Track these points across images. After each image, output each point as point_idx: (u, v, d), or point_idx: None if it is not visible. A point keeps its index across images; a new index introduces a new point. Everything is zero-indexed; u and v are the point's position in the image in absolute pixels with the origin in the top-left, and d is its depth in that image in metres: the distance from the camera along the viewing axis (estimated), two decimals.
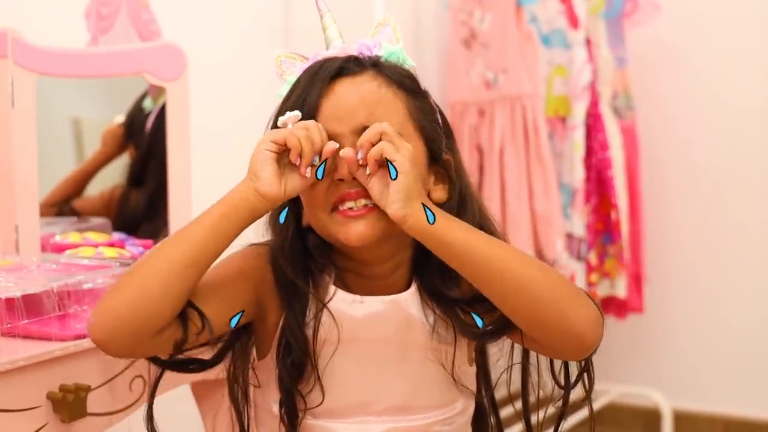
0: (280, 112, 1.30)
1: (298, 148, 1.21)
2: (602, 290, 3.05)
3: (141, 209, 2.09)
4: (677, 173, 3.37)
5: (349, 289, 1.33)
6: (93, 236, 1.87)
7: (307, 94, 1.28)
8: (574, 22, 3.01)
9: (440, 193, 1.33)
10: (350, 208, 1.26)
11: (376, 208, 1.25)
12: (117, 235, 1.92)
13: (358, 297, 1.32)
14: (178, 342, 1.21)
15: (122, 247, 1.82)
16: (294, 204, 1.32)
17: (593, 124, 3.05)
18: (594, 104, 3.05)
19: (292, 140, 1.21)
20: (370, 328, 1.32)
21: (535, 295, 1.22)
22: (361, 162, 1.24)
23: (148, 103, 2.06)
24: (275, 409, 1.33)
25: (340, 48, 1.34)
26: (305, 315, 1.30)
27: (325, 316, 1.30)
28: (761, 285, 3.28)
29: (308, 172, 1.23)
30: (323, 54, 1.34)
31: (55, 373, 1.44)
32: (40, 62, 1.79)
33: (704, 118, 3.33)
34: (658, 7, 3.20)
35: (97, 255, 1.73)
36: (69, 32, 2.06)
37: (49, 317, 1.44)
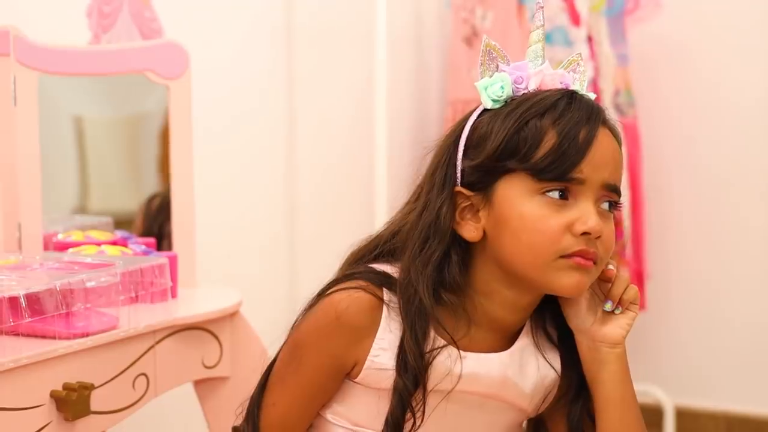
0: (526, 124, 1.27)
1: None
2: None
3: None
4: (679, 170, 3.37)
5: (454, 333, 1.31)
6: (95, 234, 1.87)
7: (578, 128, 1.25)
8: (575, 19, 3.00)
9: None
10: (583, 258, 1.26)
11: (591, 266, 1.27)
12: (119, 234, 1.92)
13: (462, 353, 1.31)
14: None
15: (125, 245, 1.82)
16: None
17: None
18: (596, 101, 3.03)
19: None
20: (466, 383, 1.33)
21: None
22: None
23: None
24: (330, 417, 1.36)
25: (551, 72, 1.32)
26: (427, 335, 1.28)
27: (437, 361, 1.30)
28: (764, 282, 3.27)
29: None
30: (540, 71, 1.32)
31: (59, 372, 1.44)
32: (42, 60, 1.79)
33: (706, 115, 3.33)
34: (659, 5, 3.19)
35: (99, 253, 1.73)
36: (71, 30, 2.06)
37: (52, 316, 1.44)
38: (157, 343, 1.62)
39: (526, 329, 1.37)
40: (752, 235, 3.29)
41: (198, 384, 1.80)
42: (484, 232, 1.29)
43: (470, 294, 1.31)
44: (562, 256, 1.25)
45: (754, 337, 3.29)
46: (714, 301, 3.35)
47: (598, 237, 1.25)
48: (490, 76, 1.33)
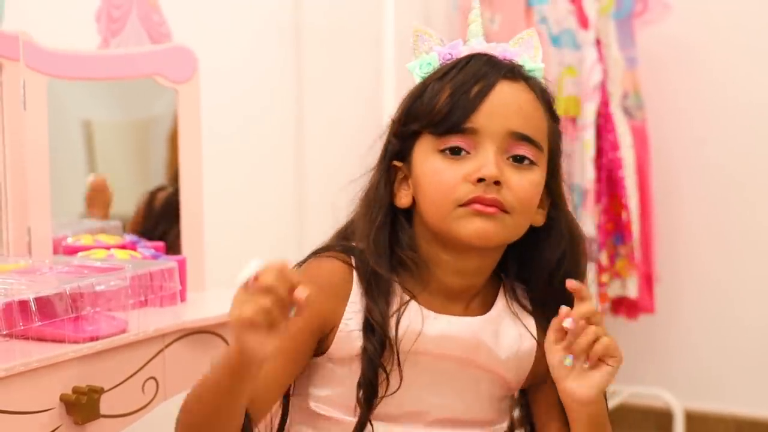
0: (425, 88, 1.31)
1: (269, 317, 1.12)
2: (613, 291, 3.04)
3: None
4: (688, 173, 3.36)
5: (427, 298, 1.34)
6: (105, 238, 1.87)
7: (469, 84, 1.28)
8: (584, 22, 3.00)
9: (539, 217, 1.35)
10: (482, 204, 1.27)
11: (499, 213, 1.27)
12: (129, 237, 1.93)
13: (432, 313, 1.33)
14: None
15: (134, 249, 1.83)
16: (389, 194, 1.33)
17: (604, 125, 3.04)
18: (604, 104, 3.04)
19: (258, 317, 1.11)
20: (439, 345, 1.33)
21: None
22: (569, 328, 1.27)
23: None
24: (313, 406, 1.35)
25: (484, 46, 1.35)
26: (389, 301, 1.31)
27: (401, 322, 1.31)
28: None
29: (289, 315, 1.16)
30: (471, 47, 1.34)
31: (68, 375, 1.44)
32: (51, 65, 1.79)
33: (715, 117, 3.32)
34: (668, 7, 3.19)
35: (109, 257, 1.74)
36: (80, 35, 2.06)
37: (62, 319, 1.44)
38: (167, 346, 1.62)
39: (501, 296, 1.38)
40: (762, 237, 3.28)
41: None
42: (414, 198, 1.33)
43: (423, 263, 1.33)
44: (460, 205, 1.27)
45: (764, 339, 3.29)
46: (723, 304, 3.34)
47: (497, 183, 1.26)
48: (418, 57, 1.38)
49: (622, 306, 3.10)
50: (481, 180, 1.26)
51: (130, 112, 2.16)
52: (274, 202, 2.75)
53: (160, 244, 1.93)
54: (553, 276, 1.35)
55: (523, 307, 1.39)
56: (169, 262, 1.64)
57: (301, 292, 1.12)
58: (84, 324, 1.48)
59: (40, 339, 1.44)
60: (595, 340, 1.27)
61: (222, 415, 1.21)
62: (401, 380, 1.31)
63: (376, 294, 1.30)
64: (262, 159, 2.66)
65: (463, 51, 1.35)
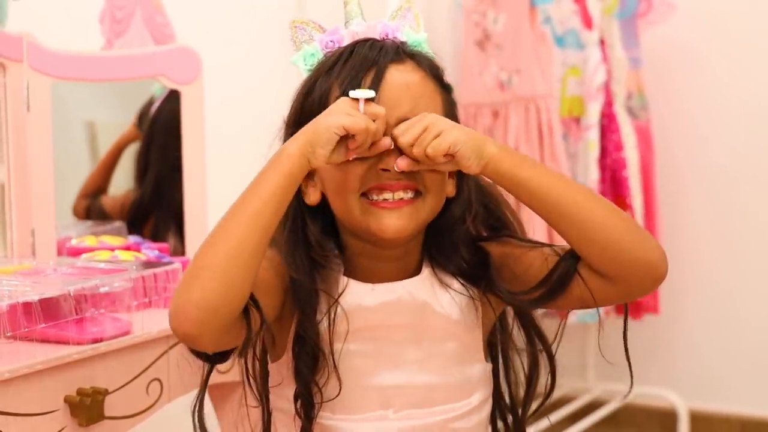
0: (314, 85, 1.29)
1: (364, 142, 1.20)
2: None
3: (148, 198, 2.09)
4: (692, 173, 3.36)
5: (359, 274, 1.33)
6: (109, 239, 1.87)
7: (358, 78, 1.26)
8: (588, 22, 3.00)
9: (450, 187, 1.33)
10: (385, 200, 1.26)
11: (410, 202, 1.26)
12: (132, 239, 1.93)
13: (369, 285, 1.32)
14: (246, 335, 1.19)
15: (138, 250, 1.83)
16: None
17: (608, 125, 3.04)
18: (608, 104, 3.04)
19: (362, 136, 1.20)
20: (383, 316, 1.32)
21: (613, 226, 1.23)
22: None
23: (156, 89, 2.06)
24: (289, 408, 1.32)
25: (364, 27, 1.33)
26: (316, 310, 1.29)
27: (338, 309, 1.29)
28: None
29: (353, 156, 1.22)
30: (351, 31, 1.33)
31: (73, 377, 1.44)
32: (55, 66, 1.79)
33: (719, 117, 3.32)
34: (672, 7, 3.18)
35: (113, 258, 1.74)
36: (84, 36, 2.06)
37: (66, 321, 1.44)
38: (171, 348, 1.62)
39: (426, 262, 1.35)
40: (767, 236, 3.27)
41: (211, 389, 1.80)
42: (323, 194, 1.31)
43: (353, 256, 1.32)
44: (362, 195, 1.26)
45: None
46: (728, 304, 3.34)
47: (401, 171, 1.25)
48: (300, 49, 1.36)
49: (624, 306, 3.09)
50: (385, 170, 1.26)
51: (133, 112, 2.16)
52: None
53: (164, 245, 1.93)
54: (463, 226, 1.34)
55: (444, 269, 1.36)
56: (174, 264, 1.64)
57: (386, 142, 1.22)
58: (88, 325, 1.48)
59: (44, 340, 1.44)
60: (427, 156, 1.23)
61: (253, 252, 1.16)
62: (340, 387, 1.29)
63: (302, 300, 1.28)
64: (267, 159, 2.65)
65: (343, 36, 1.33)
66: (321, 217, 1.32)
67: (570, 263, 1.28)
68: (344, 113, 1.20)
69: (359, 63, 1.28)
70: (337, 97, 1.26)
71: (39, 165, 1.77)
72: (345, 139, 1.21)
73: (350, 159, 1.23)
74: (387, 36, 1.33)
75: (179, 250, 1.97)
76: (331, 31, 1.34)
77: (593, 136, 3.00)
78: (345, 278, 1.31)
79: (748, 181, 3.28)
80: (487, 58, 3.05)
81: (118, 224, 2.06)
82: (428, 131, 1.23)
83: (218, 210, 2.06)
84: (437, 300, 1.33)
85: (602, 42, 3.04)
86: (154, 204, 2.09)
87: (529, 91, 2.97)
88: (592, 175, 2.99)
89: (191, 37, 2.14)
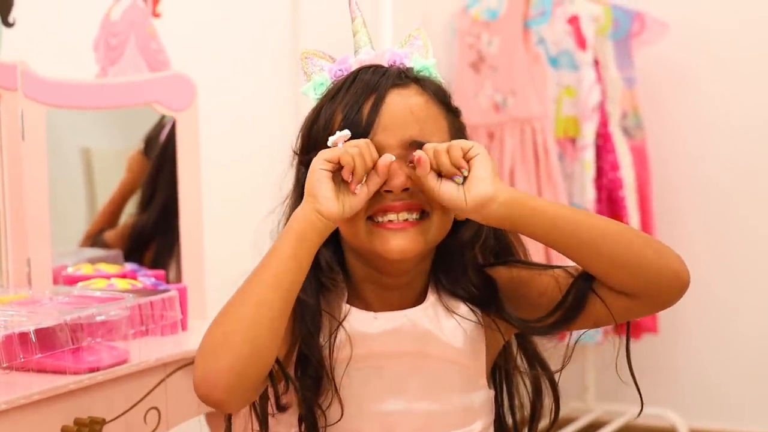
0: (319, 113, 1.30)
1: (351, 165, 1.20)
2: None
3: (152, 225, 2.08)
4: (688, 191, 3.36)
5: (363, 301, 1.33)
6: (105, 267, 1.87)
7: (359, 103, 1.27)
8: (581, 43, 3.01)
9: None
10: (390, 221, 1.26)
11: (416, 223, 1.26)
12: (129, 266, 1.92)
13: (371, 314, 1.31)
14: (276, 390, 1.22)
15: (134, 278, 1.82)
16: None
17: (603, 145, 3.05)
18: (603, 124, 3.04)
19: (345, 158, 1.20)
20: (385, 344, 1.31)
21: (631, 243, 1.23)
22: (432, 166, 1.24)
23: (168, 116, 2.05)
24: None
25: (372, 55, 1.34)
26: (320, 331, 1.29)
27: (340, 334, 1.29)
28: None
29: (359, 189, 1.22)
30: (359, 60, 1.34)
31: (70, 407, 1.43)
32: (49, 94, 1.79)
33: (713, 135, 3.32)
34: (665, 26, 3.19)
35: (109, 287, 1.73)
36: (78, 64, 2.06)
37: (62, 351, 1.43)
38: (168, 376, 1.61)
39: (432, 289, 1.35)
40: (764, 253, 3.27)
41: (210, 417, 1.79)
42: None
43: (359, 283, 1.33)
44: (370, 217, 1.26)
45: None
46: (727, 322, 3.33)
47: (407, 190, 1.25)
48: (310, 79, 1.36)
49: (625, 326, 3.08)
50: (388, 192, 1.26)
51: (129, 139, 2.15)
52: (275, 229, 2.74)
53: (161, 272, 1.93)
54: (472, 251, 1.34)
55: (452, 293, 1.35)
56: (170, 292, 1.63)
57: (387, 158, 1.22)
58: (85, 354, 1.47)
59: (41, 370, 1.43)
60: (448, 151, 1.24)
61: (279, 316, 1.17)
62: (342, 411, 1.28)
63: (307, 321, 1.28)
64: (262, 186, 2.65)
65: (352, 64, 1.34)
66: (331, 241, 1.31)
67: (585, 284, 1.27)
68: (323, 152, 1.22)
69: (361, 88, 1.28)
70: (340, 123, 1.26)
71: (34, 193, 1.77)
72: (345, 182, 1.21)
73: (355, 191, 1.22)
74: (395, 63, 1.33)
75: (178, 277, 1.96)
76: (341, 60, 1.35)
77: (589, 157, 3.00)
78: (347, 306, 1.31)
79: (744, 197, 3.28)
80: (482, 80, 3.06)
81: (115, 252, 2.05)
82: (458, 142, 1.25)
83: (214, 236, 2.07)
84: (441, 328, 1.33)
85: (596, 62, 3.05)
86: (157, 231, 2.09)
87: (525, 112, 2.97)
88: (588, 195, 2.99)
89: (186, 64, 2.14)
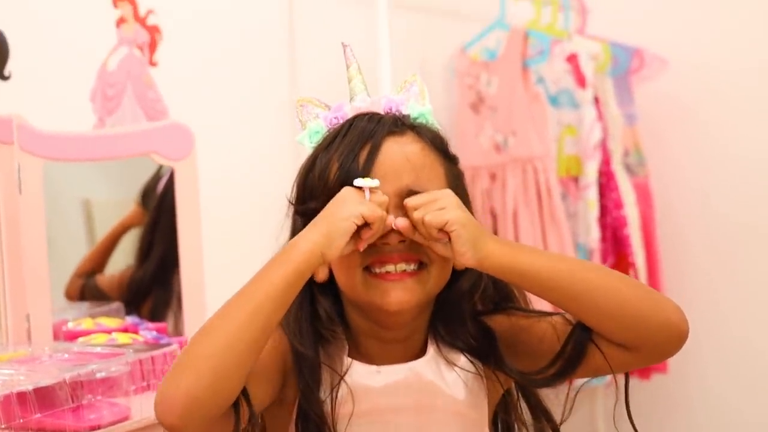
0: (315, 162, 1.28)
1: (378, 230, 1.20)
2: None
3: (150, 276, 2.07)
4: (694, 227, 3.33)
5: (364, 355, 1.30)
6: (106, 321, 1.85)
7: (355, 151, 1.25)
8: (581, 81, 3.00)
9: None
10: (388, 272, 1.25)
11: (414, 274, 1.25)
12: (130, 320, 1.90)
13: (374, 367, 1.29)
14: (235, 428, 1.15)
15: (136, 332, 1.80)
16: None
17: (606, 183, 3.03)
18: (606, 162, 3.03)
19: (378, 224, 1.20)
20: (388, 398, 1.29)
21: (627, 296, 1.22)
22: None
23: (165, 166, 2.04)
24: None
25: (368, 102, 1.32)
26: (320, 385, 1.26)
27: (342, 388, 1.27)
28: None
29: (364, 245, 1.21)
30: (355, 107, 1.32)
31: None
32: (46, 147, 1.78)
33: (717, 170, 3.30)
34: (665, 62, 3.19)
35: (110, 341, 1.71)
36: (75, 115, 2.05)
37: (62, 410, 1.41)
38: None
39: (431, 340, 1.33)
40: None
41: None
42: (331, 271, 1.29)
43: (359, 336, 1.30)
44: (366, 268, 1.24)
45: None
46: (740, 360, 3.29)
47: (403, 241, 1.23)
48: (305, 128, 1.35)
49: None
50: (385, 243, 1.24)
51: (129, 189, 2.14)
52: None
53: (162, 325, 1.90)
54: (471, 301, 1.32)
55: (451, 345, 1.33)
56: (171, 345, 1.61)
57: (391, 220, 1.21)
58: (85, 413, 1.44)
59: (41, 430, 1.41)
60: (422, 224, 1.21)
61: (251, 347, 1.13)
62: None
63: (306, 375, 1.25)
64: (263, 235, 2.63)
65: (347, 112, 1.32)
66: (330, 292, 1.30)
67: (584, 334, 1.26)
68: (358, 202, 1.20)
69: (356, 136, 1.27)
70: (336, 172, 1.25)
71: (32, 247, 1.75)
72: (358, 228, 1.20)
73: (361, 249, 1.21)
74: (391, 110, 1.32)
75: (179, 329, 1.94)
76: (336, 108, 1.34)
77: (592, 195, 2.99)
78: (348, 359, 1.28)
79: (751, 232, 3.25)
80: (482, 121, 3.04)
81: (116, 305, 2.03)
82: (434, 202, 1.22)
83: (215, 287, 2.04)
84: (443, 380, 1.31)
85: (596, 100, 3.03)
86: (155, 283, 2.07)
87: (526, 152, 2.96)
88: (593, 234, 2.97)
89: (184, 113, 2.13)
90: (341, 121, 1.32)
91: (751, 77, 3.24)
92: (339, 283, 1.28)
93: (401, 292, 1.24)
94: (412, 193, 1.25)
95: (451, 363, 1.31)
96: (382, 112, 1.31)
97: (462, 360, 1.32)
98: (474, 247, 1.21)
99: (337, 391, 1.26)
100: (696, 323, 3.41)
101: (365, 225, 1.20)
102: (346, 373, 1.27)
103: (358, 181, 1.22)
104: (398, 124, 1.29)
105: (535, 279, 1.22)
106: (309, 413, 1.25)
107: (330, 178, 1.25)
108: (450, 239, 1.21)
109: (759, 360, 3.27)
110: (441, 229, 1.21)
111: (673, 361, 3.16)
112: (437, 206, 1.21)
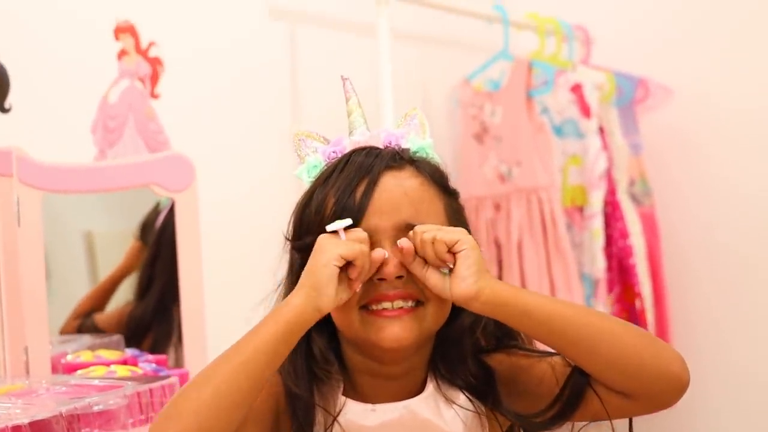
0: (311, 197, 1.27)
1: (363, 266, 1.18)
2: None
3: (150, 311, 2.05)
4: (700, 257, 3.31)
5: (360, 393, 1.29)
6: (105, 354, 1.83)
7: (352, 186, 1.24)
8: (585, 111, 2.99)
9: None
10: (385, 309, 1.23)
11: (411, 311, 1.23)
12: (130, 352, 1.88)
13: (369, 406, 1.27)
14: None
15: (135, 364, 1.78)
16: None
17: (611, 213, 3.01)
18: (611, 192, 3.01)
19: (361, 259, 1.18)
20: None
21: (628, 344, 1.20)
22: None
23: (163, 201, 2.04)
24: None
25: (367, 135, 1.31)
26: (313, 426, 1.25)
27: (336, 428, 1.25)
28: None
29: (359, 286, 1.20)
30: (354, 141, 1.31)
31: None
32: (45, 179, 1.77)
33: (724, 199, 3.28)
34: (669, 92, 3.18)
35: (108, 374, 1.69)
36: (76, 147, 2.05)
37: None
38: None
39: (431, 377, 1.31)
40: None
41: None
42: None
43: (356, 374, 1.29)
44: (362, 307, 1.23)
45: None
46: (749, 388, 3.26)
47: (400, 277, 1.22)
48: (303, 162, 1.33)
49: None
50: (381, 280, 1.23)
51: (130, 220, 2.13)
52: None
53: (162, 357, 1.89)
54: (472, 338, 1.31)
55: (450, 382, 1.31)
56: (171, 378, 1.59)
57: (380, 252, 1.19)
58: None
59: None
60: (433, 243, 1.21)
61: (239, 404, 1.12)
62: None
63: (300, 416, 1.24)
64: (263, 267, 2.62)
65: (346, 146, 1.31)
66: (326, 330, 1.28)
67: (582, 379, 1.24)
68: (334, 245, 1.18)
69: (354, 171, 1.26)
70: (332, 207, 1.23)
71: (31, 280, 1.74)
72: (344, 273, 1.19)
73: (357, 290, 1.20)
74: (390, 144, 1.31)
75: (180, 362, 1.92)
76: (335, 141, 1.33)
77: (597, 225, 2.97)
78: (343, 398, 1.27)
79: (758, 262, 3.23)
80: (486, 151, 3.03)
81: (116, 337, 2.01)
82: (445, 230, 1.22)
83: (216, 319, 2.03)
84: (441, 417, 1.29)
85: (601, 130, 3.02)
86: (156, 316, 2.05)
87: (531, 183, 2.95)
88: (598, 264, 2.95)
89: (186, 145, 2.12)
90: (339, 156, 1.31)
91: (756, 106, 3.22)
92: (336, 322, 1.27)
93: (398, 329, 1.23)
94: (410, 227, 1.23)
95: (450, 400, 1.29)
96: (382, 146, 1.30)
97: (461, 398, 1.30)
98: (477, 273, 1.20)
99: (332, 431, 1.25)
100: (702, 354, 3.41)
101: (350, 264, 1.18)
102: (339, 413, 1.25)
103: (330, 227, 1.20)
104: (396, 159, 1.28)
105: (534, 318, 1.20)
106: None
107: (326, 214, 1.24)
108: (454, 265, 1.20)
109: (765, 391, 3.24)
110: (450, 250, 1.20)
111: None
112: (447, 230, 1.21)
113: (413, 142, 1.32)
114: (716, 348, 3.27)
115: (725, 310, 3.28)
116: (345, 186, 1.24)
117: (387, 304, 1.23)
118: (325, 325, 1.27)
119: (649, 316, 3.02)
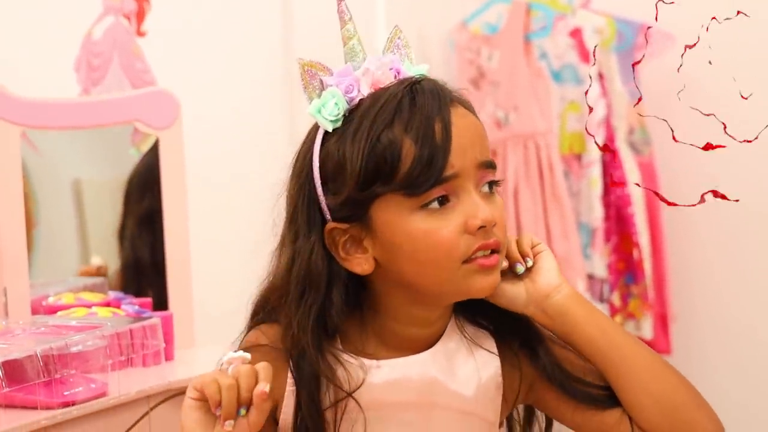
0: (378, 138, 1.16)
1: (215, 398, 1.07)
2: None
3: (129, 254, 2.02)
4: (700, 207, 3.25)
5: (363, 351, 1.23)
6: (87, 296, 1.80)
7: (432, 130, 1.15)
8: (585, 56, 2.94)
9: None
10: (485, 256, 1.19)
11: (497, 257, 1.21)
12: (113, 294, 1.84)
13: (374, 362, 1.22)
14: None
15: (118, 306, 1.74)
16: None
17: (610, 161, 2.97)
18: (610, 140, 2.96)
19: (210, 389, 1.07)
20: (390, 393, 1.23)
21: (671, 385, 1.26)
22: None
23: (132, 152, 1.99)
24: None
25: (378, 63, 1.21)
26: (320, 391, 1.20)
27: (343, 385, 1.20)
28: None
29: (229, 425, 1.07)
30: (368, 71, 1.20)
31: None
32: (24, 115, 1.72)
33: (725, 151, 3.22)
34: (671, 38, 3.11)
35: (89, 315, 1.65)
36: (59, 85, 1.99)
37: (33, 384, 1.35)
38: (152, 409, 1.53)
39: (451, 329, 1.27)
40: None
41: None
42: (377, 261, 1.20)
43: (379, 319, 1.23)
44: (465, 261, 1.18)
45: None
46: (745, 341, 3.23)
47: (495, 225, 1.19)
48: (318, 96, 1.21)
49: None
50: (480, 227, 1.17)
51: (119, 167, 2.08)
52: (266, 253, 2.66)
53: (147, 300, 1.84)
54: None
55: (480, 325, 1.28)
56: (152, 319, 1.55)
57: (260, 388, 1.07)
58: (59, 388, 1.38)
59: (10, 405, 1.36)
60: (518, 241, 1.25)
61: None
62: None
63: (306, 379, 1.19)
64: (253, 210, 2.58)
65: (359, 77, 1.20)
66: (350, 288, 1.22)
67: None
68: (196, 378, 1.10)
69: (427, 113, 1.16)
70: (417, 151, 1.15)
71: (9, 221, 1.69)
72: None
73: (225, 427, 1.08)
74: (394, 70, 1.22)
75: (163, 304, 1.87)
76: (343, 72, 1.21)
77: (595, 173, 2.93)
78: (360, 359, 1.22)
79: (761, 212, 3.19)
80: (483, 97, 2.98)
81: (100, 280, 1.97)
82: (528, 235, 1.27)
83: (201, 260, 1.99)
84: (452, 375, 1.25)
85: (601, 76, 2.97)
86: (135, 259, 2.02)
87: (528, 129, 2.90)
88: (596, 212, 2.91)
89: (173, 83, 2.06)
90: (357, 87, 1.20)
91: (758, 59, 3.17)
92: (417, 274, 1.19)
93: (496, 277, 1.21)
94: (486, 164, 1.19)
95: (476, 344, 1.27)
96: (392, 78, 1.21)
97: (486, 343, 1.28)
98: (559, 270, 1.24)
99: (339, 398, 1.20)
100: (700, 308, 3.37)
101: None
102: (346, 397, 1.20)
103: (224, 359, 1.10)
104: (451, 97, 1.20)
105: (594, 327, 1.24)
106: (308, 420, 1.20)
107: (401, 158, 1.15)
108: (534, 263, 1.24)
109: (763, 343, 3.21)
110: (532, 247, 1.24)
111: (676, 346, 3.11)
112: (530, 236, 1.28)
113: (409, 67, 1.23)
114: (714, 300, 3.24)
115: (725, 260, 3.24)
116: (425, 126, 1.16)
117: (484, 252, 1.18)
118: (351, 282, 1.21)
119: (647, 266, 2.99)
